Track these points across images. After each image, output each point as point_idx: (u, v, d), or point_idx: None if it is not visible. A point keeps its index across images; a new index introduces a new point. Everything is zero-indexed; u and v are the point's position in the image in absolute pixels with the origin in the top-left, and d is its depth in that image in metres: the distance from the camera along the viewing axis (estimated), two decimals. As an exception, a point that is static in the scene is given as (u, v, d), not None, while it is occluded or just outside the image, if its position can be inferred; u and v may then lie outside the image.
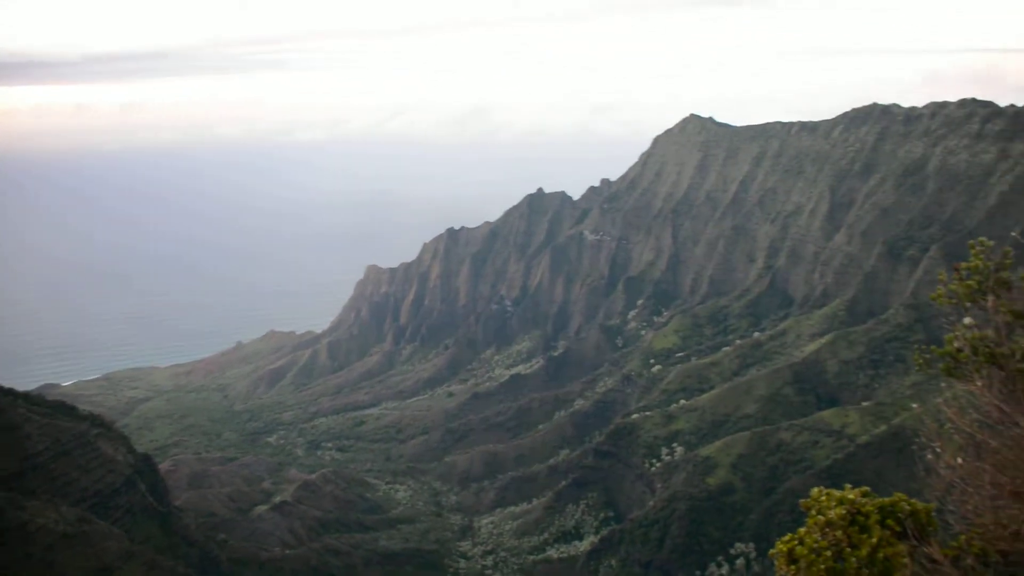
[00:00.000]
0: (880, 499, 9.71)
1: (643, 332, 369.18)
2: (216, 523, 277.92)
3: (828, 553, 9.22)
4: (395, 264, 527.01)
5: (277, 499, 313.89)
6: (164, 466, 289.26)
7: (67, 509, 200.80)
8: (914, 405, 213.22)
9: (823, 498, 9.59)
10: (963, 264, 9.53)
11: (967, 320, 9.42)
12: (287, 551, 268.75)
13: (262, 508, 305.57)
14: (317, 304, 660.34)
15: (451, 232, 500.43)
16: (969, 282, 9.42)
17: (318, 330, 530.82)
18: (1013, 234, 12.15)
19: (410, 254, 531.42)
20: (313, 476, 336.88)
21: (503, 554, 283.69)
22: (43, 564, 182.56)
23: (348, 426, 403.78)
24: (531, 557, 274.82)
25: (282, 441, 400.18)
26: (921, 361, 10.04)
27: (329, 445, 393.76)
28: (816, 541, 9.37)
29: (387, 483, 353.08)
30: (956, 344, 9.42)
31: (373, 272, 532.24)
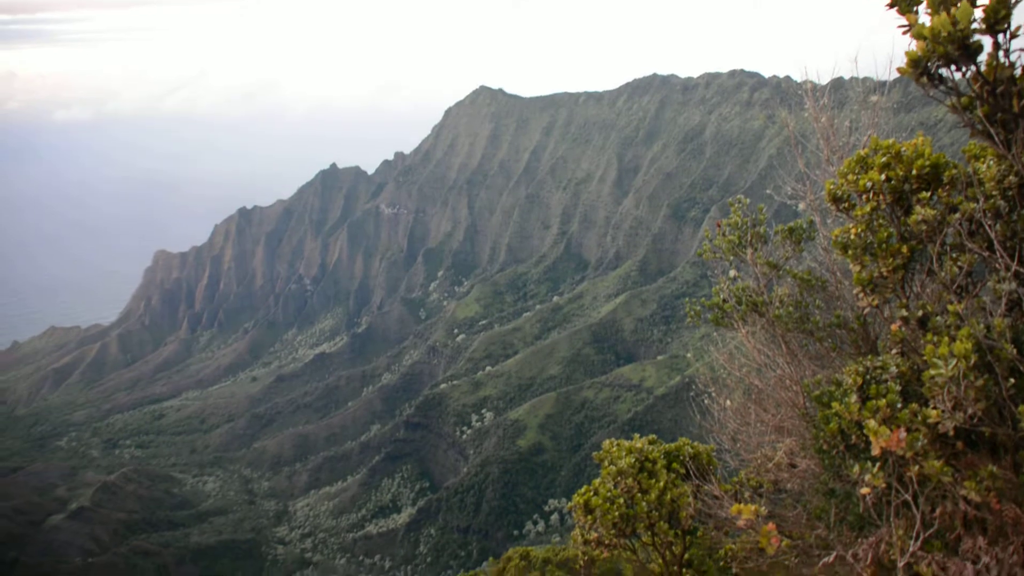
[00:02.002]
0: (666, 445, 10.40)
1: (445, 303, 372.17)
2: (3, 541, 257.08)
3: (621, 500, 9.79)
4: (186, 248, 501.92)
5: (74, 506, 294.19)
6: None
7: None
8: (688, 355, 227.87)
9: (614, 449, 10.16)
10: (724, 221, 10.33)
11: (731, 272, 10.23)
12: (90, 559, 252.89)
13: (58, 517, 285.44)
14: (102, 295, 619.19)
15: (243, 212, 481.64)
16: (730, 237, 10.23)
17: (106, 322, 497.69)
18: (768, 191, 13.24)
19: (200, 237, 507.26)
20: (112, 477, 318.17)
21: (322, 535, 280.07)
22: None
23: (147, 420, 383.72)
24: (350, 535, 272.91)
25: (74, 443, 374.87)
26: (692, 313, 10.80)
27: (128, 442, 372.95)
28: (609, 490, 9.92)
29: (194, 476, 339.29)
30: (722, 295, 10.21)
31: (162, 258, 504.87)
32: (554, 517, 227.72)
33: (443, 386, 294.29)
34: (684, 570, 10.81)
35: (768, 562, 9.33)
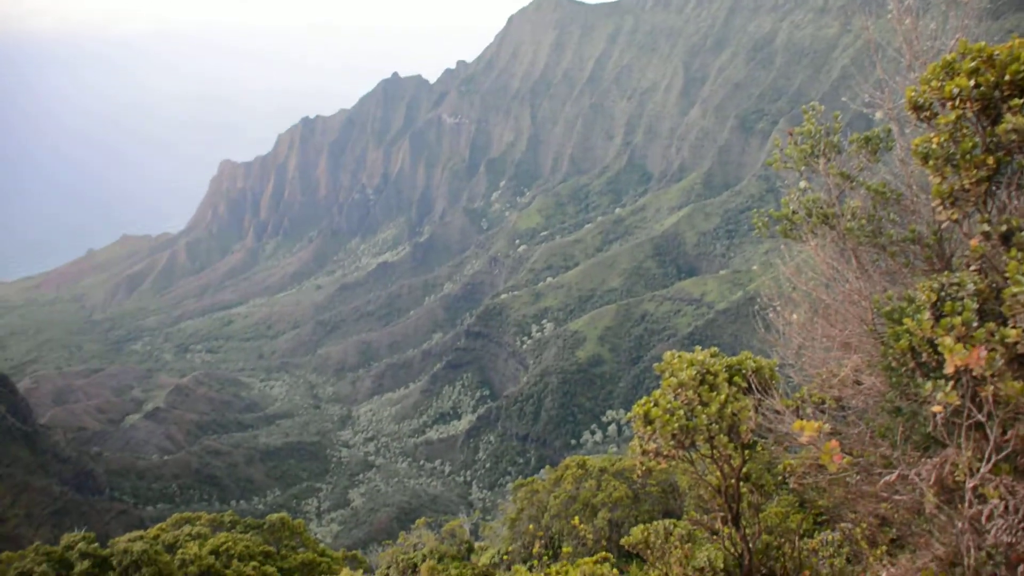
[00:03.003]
0: (728, 358, 10.26)
1: (507, 213, 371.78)
2: (88, 437, 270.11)
3: (681, 412, 9.74)
4: (250, 158, 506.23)
5: (149, 406, 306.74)
6: (24, 384, 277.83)
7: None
8: (754, 268, 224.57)
9: (675, 361, 10.07)
10: (796, 129, 9.91)
11: (802, 183, 9.87)
12: (165, 457, 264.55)
13: (134, 417, 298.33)
14: (170, 204, 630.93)
15: (306, 121, 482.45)
16: (803, 146, 9.82)
17: (174, 231, 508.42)
18: (844, 99, 12.69)
19: (264, 147, 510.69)
20: (184, 380, 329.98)
21: (384, 439, 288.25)
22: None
23: (216, 326, 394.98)
24: (412, 440, 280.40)
25: (148, 347, 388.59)
26: (759, 224, 10.49)
27: (198, 347, 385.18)
28: (669, 402, 9.87)
29: (262, 380, 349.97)
30: (792, 207, 9.88)
31: (228, 167, 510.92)
32: (611, 428, 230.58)
33: (504, 296, 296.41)
34: (742, 483, 10.79)
35: (828, 479, 9.25)
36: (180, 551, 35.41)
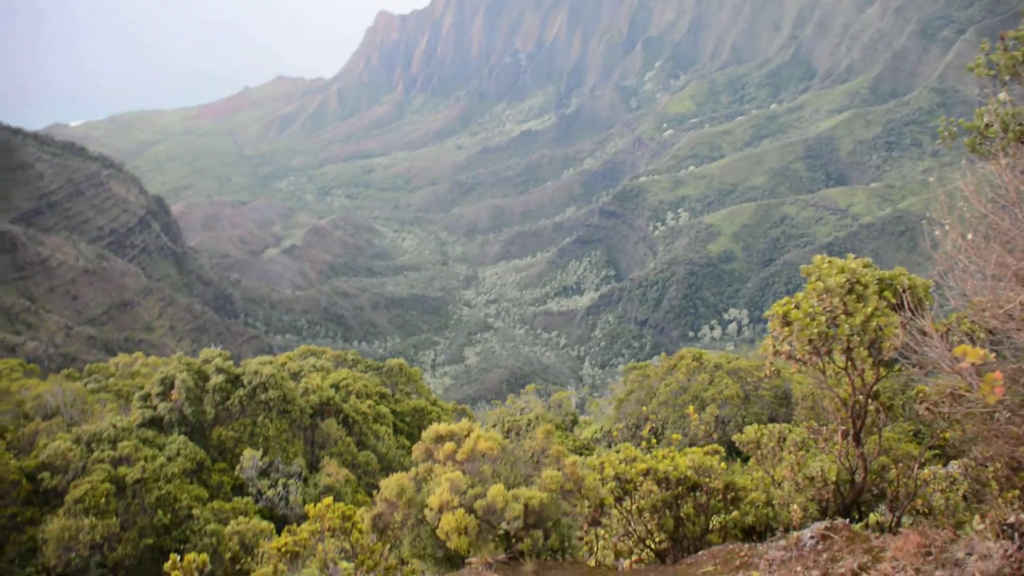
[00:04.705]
0: (880, 271, 9.73)
1: (658, 95, 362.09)
2: (229, 264, 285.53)
3: (822, 319, 9.35)
4: (406, 11, 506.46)
5: (288, 243, 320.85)
6: (177, 208, 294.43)
7: (85, 246, 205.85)
8: (931, 179, 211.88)
9: (824, 265, 9.61)
10: (1011, 32, 8.93)
11: (1002, 95, 8.96)
12: (297, 292, 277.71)
13: (273, 251, 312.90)
14: (325, 50, 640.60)
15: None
16: (1015, 53, 8.84)
17: (327, 76, 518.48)
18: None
19: (421, 1, 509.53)
20: (323, 221, 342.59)
21: (505, 304, 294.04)
22: (67, 297, 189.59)
23: (358, 173, 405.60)
24: (532, 308, 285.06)
25: (292, 187, 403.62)
26: (946, 134, 9.67)
27: (339, 192, 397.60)
28: (812, 306, 9.48)
29: (395, 231, 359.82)
30: (986, 119, 9.03)
31: (383, 19, 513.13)
32: (731, 326, 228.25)
33: (643, 179, 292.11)
34: (870, 401, 10.42)
35: (965, 411, 8.79)
36: (304, 380, 37.44)
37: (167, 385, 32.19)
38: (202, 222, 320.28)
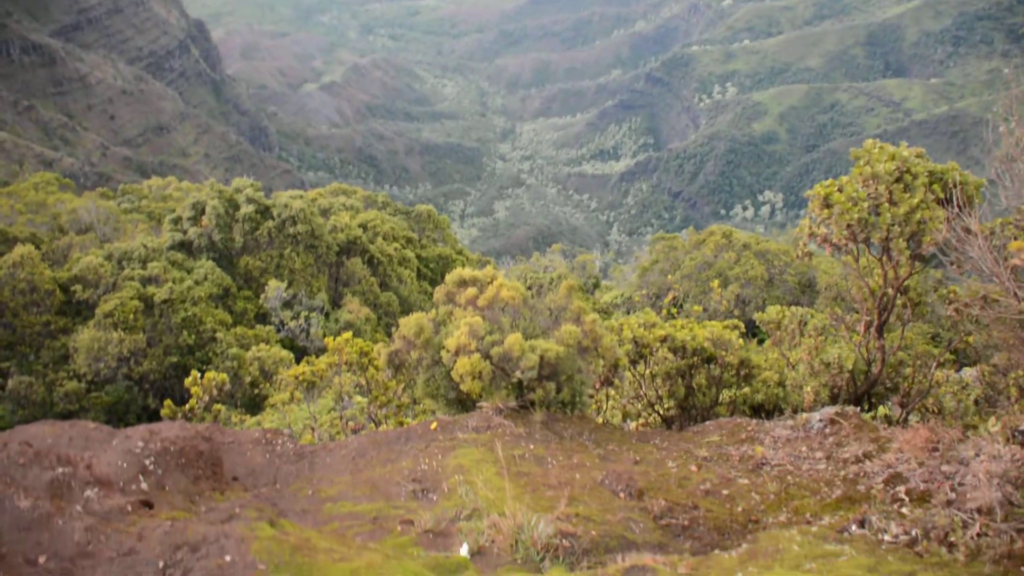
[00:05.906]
0: (933, 164, 9.41)
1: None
2: (266, 96, 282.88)
3: (865, 204, 9.10)
4: None
5: (327, 79, 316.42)
6: (217, 34, 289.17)
7: (124, 67, 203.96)
8: (1006, 71, 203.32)
9: (875, 150, 9.27)
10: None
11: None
12: (333, 129, 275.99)
13: (311, 86, 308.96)
14: None
15: None
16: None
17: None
18: None
19: None
20: (364, 60, 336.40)
21: (540, 162, 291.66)
22: (104, 116, 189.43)
23: (403, 14, 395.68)
24: (566, 168, 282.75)
25: (335, 21, 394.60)
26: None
27: (382, 31, 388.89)
28: (856, 191, 9.22)
29: (436, 77, 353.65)
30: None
31: None
32: (764, 208, 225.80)
33: (695, 48, 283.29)
34: (900, 295, 10.27)
35: (995, 315, 8.64)
36: (333, 217, 37.65)
37: (198, 211, 32.48)
38: (241, 50, 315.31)
